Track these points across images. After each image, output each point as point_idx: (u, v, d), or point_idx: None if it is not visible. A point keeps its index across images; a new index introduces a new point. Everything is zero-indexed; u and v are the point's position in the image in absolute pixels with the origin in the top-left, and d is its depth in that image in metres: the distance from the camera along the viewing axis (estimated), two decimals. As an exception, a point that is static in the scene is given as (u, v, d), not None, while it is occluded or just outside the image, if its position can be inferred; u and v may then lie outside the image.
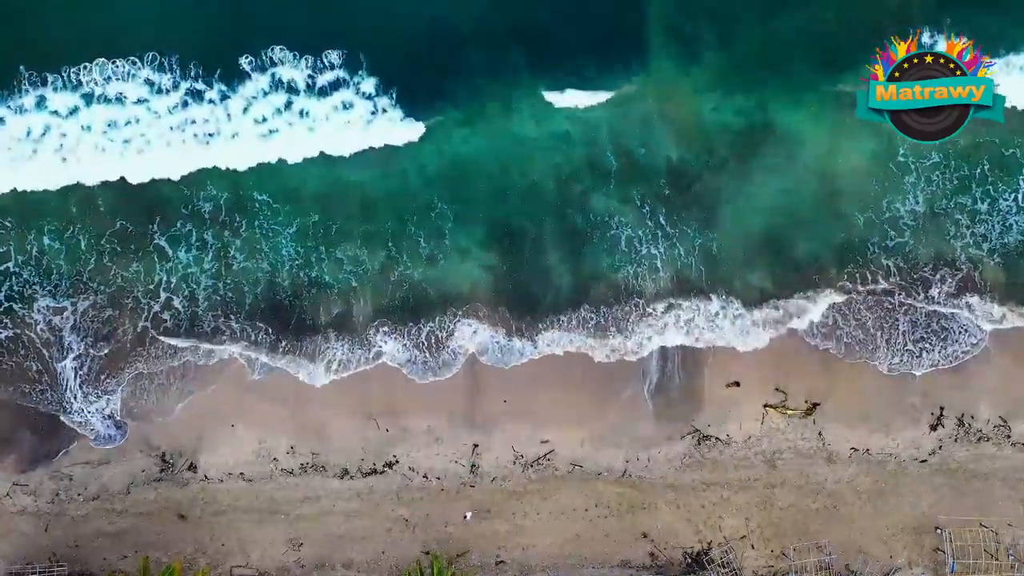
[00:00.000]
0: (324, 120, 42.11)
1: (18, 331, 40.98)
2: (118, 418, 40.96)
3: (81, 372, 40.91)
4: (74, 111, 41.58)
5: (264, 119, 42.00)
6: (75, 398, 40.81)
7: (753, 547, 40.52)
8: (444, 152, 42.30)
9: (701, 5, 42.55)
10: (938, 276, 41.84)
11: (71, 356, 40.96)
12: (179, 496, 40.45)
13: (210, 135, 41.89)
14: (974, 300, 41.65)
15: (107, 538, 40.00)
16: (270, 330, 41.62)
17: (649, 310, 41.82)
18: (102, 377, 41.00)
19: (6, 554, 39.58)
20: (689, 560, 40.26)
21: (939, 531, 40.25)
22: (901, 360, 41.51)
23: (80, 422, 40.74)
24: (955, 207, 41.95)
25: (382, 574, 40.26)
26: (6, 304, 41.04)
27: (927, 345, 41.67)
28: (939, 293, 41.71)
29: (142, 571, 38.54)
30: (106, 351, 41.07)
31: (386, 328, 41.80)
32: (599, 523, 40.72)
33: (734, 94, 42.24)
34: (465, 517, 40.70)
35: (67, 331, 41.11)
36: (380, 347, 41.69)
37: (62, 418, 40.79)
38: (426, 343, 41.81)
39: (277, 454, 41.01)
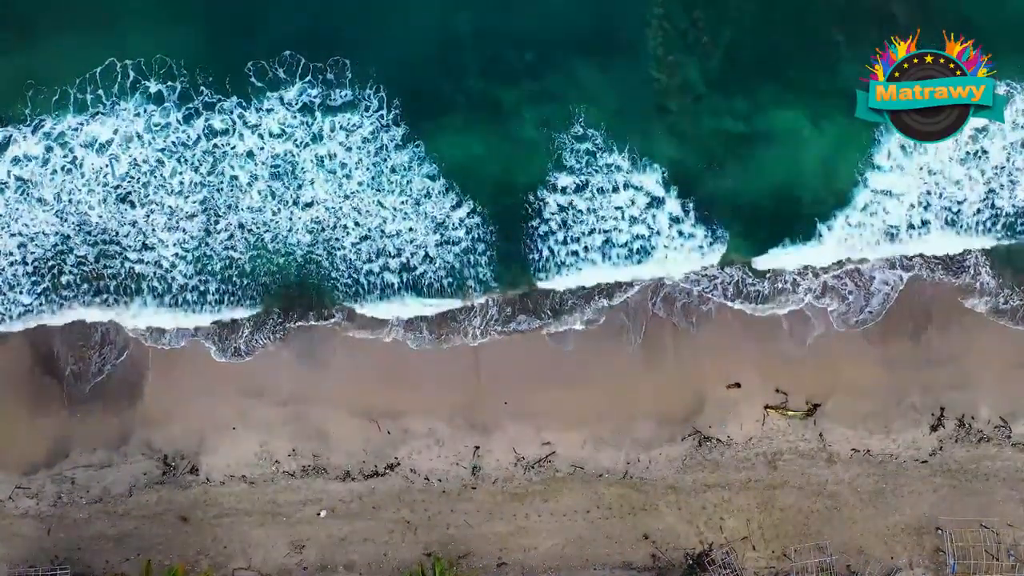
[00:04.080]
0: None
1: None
2: None
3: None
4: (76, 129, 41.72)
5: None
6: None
7: (754, 548, 40.55)
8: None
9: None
10: None
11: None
12: (181, 499, 40.48)
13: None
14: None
15: (109, 541, 40.01)
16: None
17: None
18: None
19: (8, 557, 39.54)
20: (690, 561, 40.28)
21: (940, 532, 40.27)
22: None
23: None
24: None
25: (384, 576, 40.43)
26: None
27: None
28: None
29: (144, 574, 38.57)
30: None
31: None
32: (600, 524, 40.77)
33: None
34: (319, 514, 40.62)
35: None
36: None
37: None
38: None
39: (278, 456, 41.05)
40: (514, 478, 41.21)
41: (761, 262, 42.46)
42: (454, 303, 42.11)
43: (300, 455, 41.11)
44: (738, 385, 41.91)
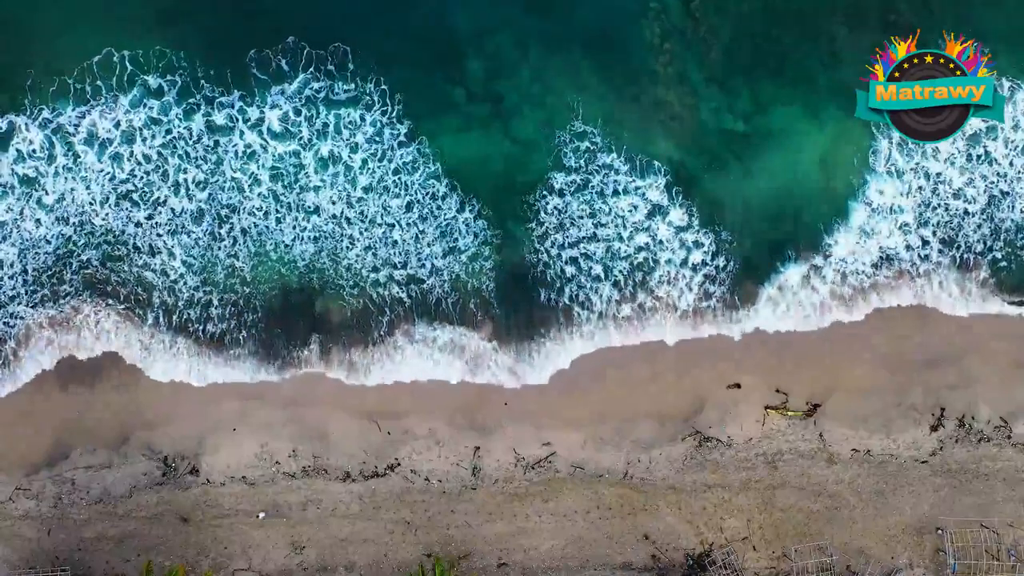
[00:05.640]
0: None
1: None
2: None
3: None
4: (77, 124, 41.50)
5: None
6: None
7: (755, 548, 40.55)
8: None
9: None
10: None
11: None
12: (181, 500, 40.40)
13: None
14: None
15: (110, 542, 39.93)
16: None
17: None
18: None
19: (9, 558, 39.48)
20: (691, 562, 40.28)
21: (940, 532, 40.29)
22: None
23: None
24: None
25: (384, 577, 40.39)
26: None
27: None
28: None
29: (145, 574, 38.52)
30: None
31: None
32: (601, 525, 40.74)
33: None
34: (258, 516, 40.53)
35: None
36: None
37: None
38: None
39: (279, 457, 41.01)
40: (514, 479, 41.19)
41: (757, 318, 42.66)
42: (463, 371, 42.10)
43: (300, 456, 41.05)
44: (738, 385, 41.93)
